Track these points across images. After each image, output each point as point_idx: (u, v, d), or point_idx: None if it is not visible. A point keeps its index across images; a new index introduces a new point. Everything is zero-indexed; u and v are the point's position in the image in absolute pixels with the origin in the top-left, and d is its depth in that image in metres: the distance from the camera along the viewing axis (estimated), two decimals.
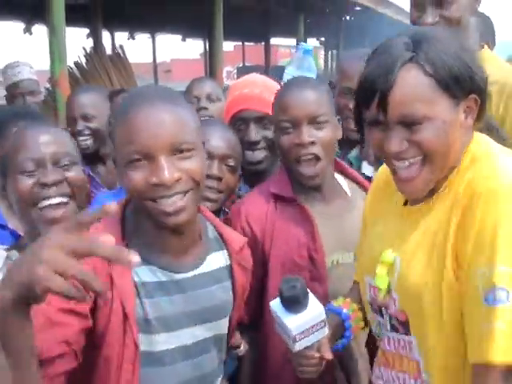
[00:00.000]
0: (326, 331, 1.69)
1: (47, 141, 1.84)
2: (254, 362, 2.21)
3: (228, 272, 1.71)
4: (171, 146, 1.47)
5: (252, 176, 2.32)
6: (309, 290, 1.66)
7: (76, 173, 1.87)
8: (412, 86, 1.45)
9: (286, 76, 3.11)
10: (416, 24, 2.45)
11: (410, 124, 1.47)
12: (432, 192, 1.56)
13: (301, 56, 3.17)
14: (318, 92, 2.11)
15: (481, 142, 1.57)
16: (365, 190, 2.21)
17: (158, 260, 1.58)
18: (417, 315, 1.57)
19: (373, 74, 1.48)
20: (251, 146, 2.42)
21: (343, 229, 2.11)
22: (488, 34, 3.60)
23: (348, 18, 18.77)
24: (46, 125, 2.03)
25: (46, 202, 1.80)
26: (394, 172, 1.57)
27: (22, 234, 2.23)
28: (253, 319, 2.15)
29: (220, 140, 2.19)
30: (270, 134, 2.41)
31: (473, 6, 2.48)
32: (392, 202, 1.71)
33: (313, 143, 2.06)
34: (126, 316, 1.47)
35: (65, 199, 1.83)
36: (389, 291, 1.64)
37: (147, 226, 1.57)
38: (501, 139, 1.71)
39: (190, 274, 1.61)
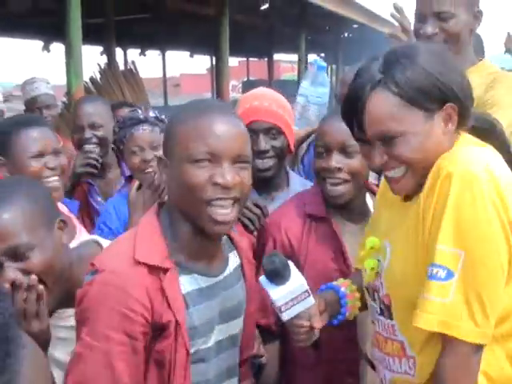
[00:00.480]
0: (312, 301, 1.71)
1: None
2: (276, 370, 2.23)
3: (240, 270, 1.74)
4: (236, 156, 1.53)
5: (259, 182, 2.34)
6: (291, 263, 1.69)
7: (37, 259, 1.63)
8: (381, 106, 1.54)
9: (301, 89, 3.14)
10: (418, 35, 2.47)
11: (386, 140, 1.54)
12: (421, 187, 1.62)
13: (315, 72, 3.19)
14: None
15: (463, 141, 1.61)
16: None
17: (197, 266, 1.58)
18: (399, 300, 1.63)
19: (350, 98, 1.60)
20: (260, 154, 2.45)
21: None
22: (480, 51, 3.62)
23: (346, 34, 18.81)
24: (4, 202, 1.69)
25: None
26: (384, 176, 1.66)
27: None
28: (280, 327, 2.16)
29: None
30: (277, 143, 2.46)
31: (473, 24, 2.48)
32: (396, 197, 1.76)
33: (339, 169, 2.13)
34: (177, 325, 1.49)
35: None
36: (379, 276, 1.70)
37: (184, 232, 1.57)
38: (504, 146, 1.73)
39: (222, 276, 1.64)
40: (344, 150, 2.14)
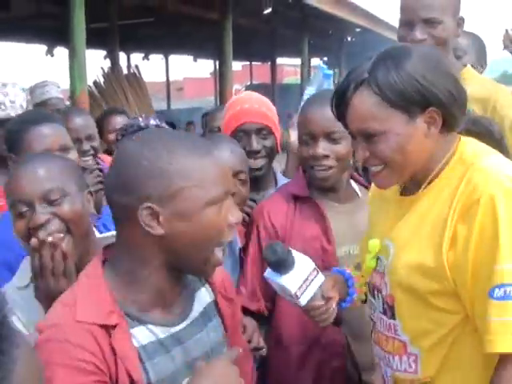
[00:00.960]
0: (322, 277, 1.72)
1: (37, 178, 1.70)
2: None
3: (214, 307, 1.57)
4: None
5: (250, 181, 2.39)
6: (290, 248, 1.70)
7: (68, 207, 1.70)
8: (362, 105, 1.57)
9: (306, 95, 3.14)
10: (404, 41, 2.50)
11: (366, 137, 1.58)
12: (420, 184, 1.65)
13: (321, 78, 3.21)
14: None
15: (467, 142, 1.64)
16: None
17: (152, 316, 1.41)
18: (404, 299, 1.64)
19: (337, 92, 1.64)
20: (252, 154, 2.52)
21: (354, 224, 2.21)
22: (483, 55, 3.62)
23: (349, 38, 18.81)
24: (42, 157, 1.86)
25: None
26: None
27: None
28: (270, 310, 2.23)
29: (232, 156, 2.23)
30: (268, 143, 2.56)
31: (456, 31, 2.53)
32: (392, 192, 1.78)
33: (326, 156, 2.17)
34: (133, 383, 1.32)
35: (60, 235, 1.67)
36: (382, 275, 1.72)
37: (151, 279, 1.39)
38: (504, 149, 1.76)
39: (185, 323, 1.46)
40: (329, 137, 2.17)
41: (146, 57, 18.45)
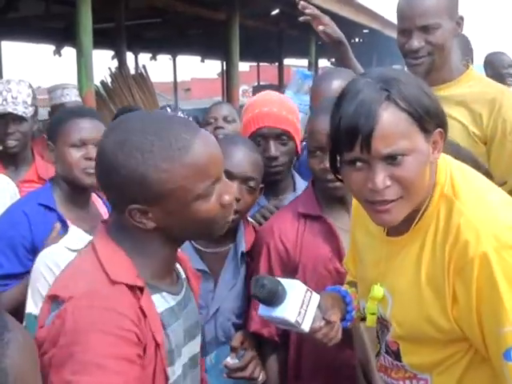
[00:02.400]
0: (317, 296, 1.65)
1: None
2: (281, 380, 2.18)
3: (187, 283, 1.59)
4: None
5: (268, 185, 2.35)
6: (276, 277, 1.64)
7: None
8: (392, 122, 1.39)
9: None
10: (403, 49, 2.49)
11: (393, 159, 1.41)
12: (408, 223, 1.52)
13: (299, 81, 3.18)
14: None
15: (446, 170, 1.54)
16: None
17: (163, 284, 1.44)
18: (409, 345, 1.58)
19: (353, 116, 1.40)
20: (271, 161, 2.46)
21: None
22: (468, 52, 3.61)
23: (357, 39, 18.78)
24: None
25: None
26: (370, 204, 1.49)
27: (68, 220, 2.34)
28: (283, 337, 2.15)
29: (243, 161, 2.15)
30: (287, 149, 2.49)
31: (456, 31, 2.51)
32: (377, 228, 1.66)
33: None
34: (157, 348, 1.33)
35: None
36: (381, 321, 1.65)
37: (157, 249, 1.41)
38: (488, 176, 1.69)
39: (182, 292, 1.51)
40: None
41: (153, 57, 18.45)
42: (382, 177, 1.41)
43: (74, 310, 1.24)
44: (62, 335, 1.22)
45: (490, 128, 2.46)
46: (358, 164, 1.44)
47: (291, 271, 2.11)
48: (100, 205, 2.57)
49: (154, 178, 1.29)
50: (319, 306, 1.66)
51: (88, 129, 2.37)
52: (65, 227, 2.29)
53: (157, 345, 1.33)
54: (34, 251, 2.22)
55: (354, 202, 1.78)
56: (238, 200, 2.09)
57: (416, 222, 1.52)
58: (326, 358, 2.08)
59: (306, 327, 1.62)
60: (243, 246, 2.22)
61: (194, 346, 1.55)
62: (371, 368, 2.15)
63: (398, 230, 1.56)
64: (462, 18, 2.51)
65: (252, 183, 2.16)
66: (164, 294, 1.42)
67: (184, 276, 1.59)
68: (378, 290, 1.61)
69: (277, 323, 1.70)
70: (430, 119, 1.44)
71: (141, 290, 1.33)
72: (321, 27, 2.97)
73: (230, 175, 2.06)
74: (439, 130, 1.47)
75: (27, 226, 2.30)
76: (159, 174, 1.29)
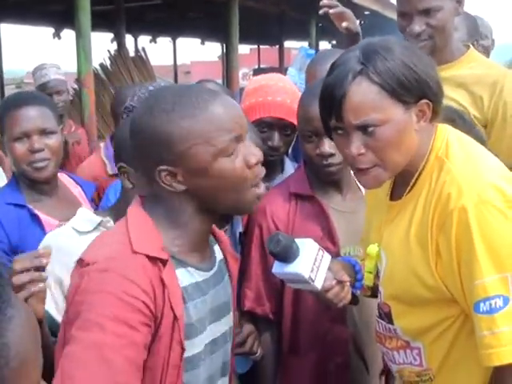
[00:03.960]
0: (329, 256, 1.71)
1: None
2: (275, 357, 2.23)
3: (224, 265, 1.64)
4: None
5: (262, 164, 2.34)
6: (291, 236, 1.69)
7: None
8: (361, 95, 1.51)
9: (289, 76, 3.11)
10: (404, 32, 2.47)
11: (365, 129, 1.52)
12: (406, 187, 1.63)
13: (303, 59, 3.16)
14: None
15: (444, 135, 1.61)
16: None
17: (191, 259, 1.47)
18: (400, 307, 1.64)
19: (329, 85, 1.56)
20: (272, 150, 2.48)
21: (356, 224, 2.15)
22: (475, 33, 3.58)
23: (358, 21, 18.68)
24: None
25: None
26: (353, 168, 1.66)
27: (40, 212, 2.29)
28: (276, 314, 2.20)
29: None
30: (289, 139, 2.54)
31: (457, 10, 2.48)
32: (384, 195, 1.76)
33: (332, 154, 2.11)
34: (175, 321, 1.37)
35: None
36: (378, 280, 1.72)
37: (191, 222, 1.46)
38: (479, 139, 1.74)
39: (213, 271, 1.55)
40: None
41: (153, 40, 18.33)
42: (355, 145, 1.55)
43: (90, 272, 1.33)
44: (77, 294, 1.33)
45: (491, 111, 2.45)
46: (339, 132, 1.59)
47: None
48: (73, 186, 2.50)
49: (177, 134, 1.37)
50: (330, 268, 1.71)
51: (30, 119, 2.25)
52: (37, 221, 2.24)
53: (175, 317, 1.37)
54: (14, 252, 2.14)
55: None
56: None
57: (411, 185, 1.61)
58: (320, 332, 2.14)
59: (318, 284, 1.67)
60: (240, 227, 2.27)
61: (221, 326, 1.58)
62: (363, 342, 2.19)
63: (399, 194, 1.67)
64: None
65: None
66: (190, 269, 1.46)
67: (222, 257, 1.63)
68: (371, 248, 1.72)
69: (289, 281, 1.74)
70: (406, 92, 1.51)
71: (163, 262, 1.38)
72: (344, 24, 2.98)
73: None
74: (425, 101, 1.53)
75: (1, 230, 2.22)
76: (181, 130, 1.37)
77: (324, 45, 22.66)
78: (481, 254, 1.43)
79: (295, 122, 2.46)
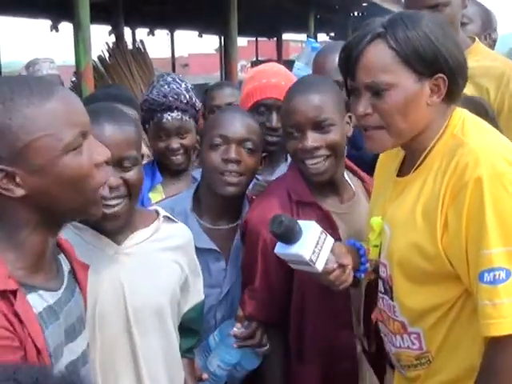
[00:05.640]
0: (331, 239, 1.72)
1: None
2: (283, 359, 2.17)
3: (72, 277, 1.47)
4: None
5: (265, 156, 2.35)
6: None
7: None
8: (375, 56, 1.57)
9: (296, 70, 3.12)
10: None
11: (375, 90, 1.57)
12: (415, 163, 1.65)
13: (309, 52, 3.16)
14: (321, 95, 2.05)
15: (460, 117, 1.64)
16: (363, 182, 2.26)
17: (38, 281, 1.30)
18: (400, 282, 1.66)
19: (350, 43, 1.62)
20: (271, 131, 2.49)
21: (353, 224, 2.13)
22: (489, 26, 3.57)
23: (356, 13, 18.64)
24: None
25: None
26: (362, 130, 1.69)
27: None
28: (282, 318, 2.14)
29: (237, 124, 2.16)
30: None
31: (464, 2, 2.50)
32: (391, 172, 1.79)
33: (316, 148, 2.01)
34: (39, 353, 1.22)
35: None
36: (379, 256, 1.74)
37: (32, 239, 1.29)
38: (498, 128, 1.76)
39: (63, 287, 1.39)
40: (318, 126, 2.01)
41: (151, 32, 18.30)
42: (363, 104, 1.60)
43: None
44: None
45: (498, 102, 2.47)
46: (356, 93, 1.63)
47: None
48: None
49: (18, 125, 1.19)
50: (332, 251, 1.72)
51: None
52: None
53: (38, 350, 1.21)
54: None
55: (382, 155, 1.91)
56: (238, 162, 2.12)
57: (421, 161, 1.64)
58: (327, 337, 2.10)
59: (319, 266, 1.68)
60: None
61: (77, 347, 1.42)
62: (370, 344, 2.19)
63: (407, 170, 1.70)
64: None
65: (249, 144, 2.16)
66: (41, 292, 1.29)
67: (69, 268, 1.47)
68: (374, 220, 1.75)
69: (291, 262, 1.74)
70: (420, 62, 1.55)
71: (14, 293, 1.20)
72: None
73: (226, 139, 2.12)
74: (441, 75, 1.56)
75: None
76: (23, 120, 1.19)
77: (322, 37, 22.63)
78: (491, 226, 1.45)
79: None
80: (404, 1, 2.54)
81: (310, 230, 1.68)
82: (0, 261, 1.22)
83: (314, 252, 1.66)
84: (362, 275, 1.88)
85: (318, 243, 1.67)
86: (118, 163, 1.67)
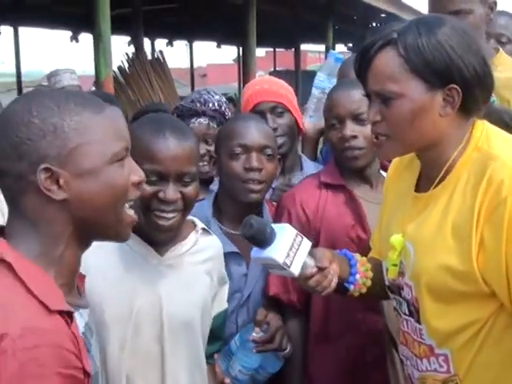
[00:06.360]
0: (308, 242, 1.65)
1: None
2: (303, 347, 2.20)
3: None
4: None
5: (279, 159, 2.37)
6: (266, 220, 1.68)
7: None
8: (384, 64, 1.53)
9: (318, 81, 3.14)
10: None
11: (383, 98, 1.55)
12: (434, 179, 1.59)
13: (332, 64, 3.18)
14: (361, 92, 2.14)
15: (483, 129, 1.58)
16: None
17: (75, 298, 1.27)
18: (428, 303, 1.57)
19: (363, 49, 1.60)
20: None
21: None
22: None
23: (374, 24, 18.65)
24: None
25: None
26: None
27: None
28: (303, 303, 2.19)
29: (254, 132, 2.20)
30: (284, 121, 2.60)
31: (488, 16, 2.49)
32: (407, 186, 1.73)
33: (354, 137, 2.17)
34: (85, 376, 1.15)
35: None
36: (402, 276, 1.66)
37: (72, 256, 1.26)
38: None
39: (86, 301, 1.36)
40: (357, 118, 2.18)
41: (170, 43, 18.45)
42: (372, 111, 1.58)
43: (14, 351, 1.04)
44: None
45: None
46: (369, 100, 1.61)
47: (312, 238, 2.10)
48: None
49: (72, 127, 1.19)
50: (313, 255, 1.67)
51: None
52: None
53: (86, 373, 1.15)
54: None
55: (392, 163, 1.89)
56: (260, 170, 2.16)
57: (443, 175, 1.57)
58: (353, 321, 2.13)
59: (295, 270, 1.62)
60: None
61: (95, 355, 1.37)
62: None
63: (426, 186, 1.63)
64: (494, 3, 2.49)
65: (269, 151, 2.21)
66: (81, 310, 1.26)
67: None
68: (395, 238, 1.65)
69: (268, 266, 1.69)
70: (430, 72, 1.50)
71: (70, 314, 1.16)
72: None
73: (246, 148, 2.17)
74: (454, 86, 1.50)
75: None
76: (76, 124, 1.20)
77: (340, 48, 22.66)
78: None
79: (283, 102, 2.59)
80: (428, 7, 2.55)
81: (284, 232, 1.61)
82: (49, 279, 1.19)
83: (288, 255, 1.59)
84: (352, 286, 1.80)
85: (292, 246, 1.60)
86: (178, 178, 1.71)
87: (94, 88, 7.47)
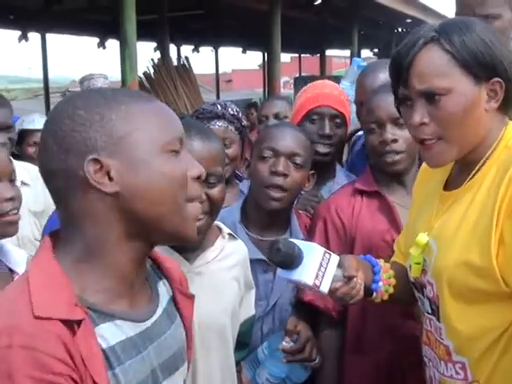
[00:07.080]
0: (336, 257, 1.63)
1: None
2: (338, 357, 2.18)
3: (173, 304, 1.34)
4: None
5: (315, 167, 2.34)
6: (292, 240, 1.63)
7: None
8: (430, 61, 1.49)
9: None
10: None
11: (430, 97, 1.50)
12: (466, 176, 1.57)
13: (355, 71, 3.17)
14: None
15: None
16: None
17: (120, 309, 1.16)
18: (448, 301, 1.56)
19: (400, 51, 1.54)
20: (323, 139, 2.53)
21: None
22: None
23: (400, 29, 18.57)
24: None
25: None
26: (418, 143, 1.59)
27: None
28: (340, 312, 2.16)
29: (287, 138, 2.19)
30: (339, 132, 2.59)
31: None
32: (436, 185, 1.71)
33: (395, 141, 2.15)
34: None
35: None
36: (425, 273, 1.65)
37: (115, 257, 1.16)
38: None
39: (154, 317, 1.24)
40: (396, 122, 2.15)
41: (195, 49, 18.54)
42: (419, 113, 1.51)
43: None
44: None
45: None
46: (408, 103, 1.55)
47: (348, 244, 2.17)
48: None
49: (120, 116, 1.12)
50: (341, 266, 1.65)
51: None
52: None
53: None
54: None
55: (423, 164, 1.84)
56: (285, 175, 2.14)
57: (473, 173, 1.55)
58: (390, 327, 2.10)
59: (324, 289, 1.61)
60: (300, 234, 2.24)
61: (178, 378, 1.30)
62: None
63: (455, 184, 1.61)
64: None
65: (298, 159, 2.18)
66: (118, 321, 1.14)
67: (170, 295, 1.34)
68: (421, 236, 1.63)
69: (297, 284, 1.69)
70: (478, 65, 1.48)
71: (78, 322, 1.07)
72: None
73: (276, 152, 2.16)
74: (497, 79, 1.49)
75: None
76: (124, 114, 1.13)
77: (366, 53, 22.59)
78: None
79: (344, 112, 2.56)
80: (455, 10, 2.53)
81: (312, 253, 1.59)
82: (69, 285, 1.10)
83: (317, 276, 1.57)
84: (374, 294, 1.78)
85: (321, 265, 1.57)
86: (203, 179, 1.69)
87: None
